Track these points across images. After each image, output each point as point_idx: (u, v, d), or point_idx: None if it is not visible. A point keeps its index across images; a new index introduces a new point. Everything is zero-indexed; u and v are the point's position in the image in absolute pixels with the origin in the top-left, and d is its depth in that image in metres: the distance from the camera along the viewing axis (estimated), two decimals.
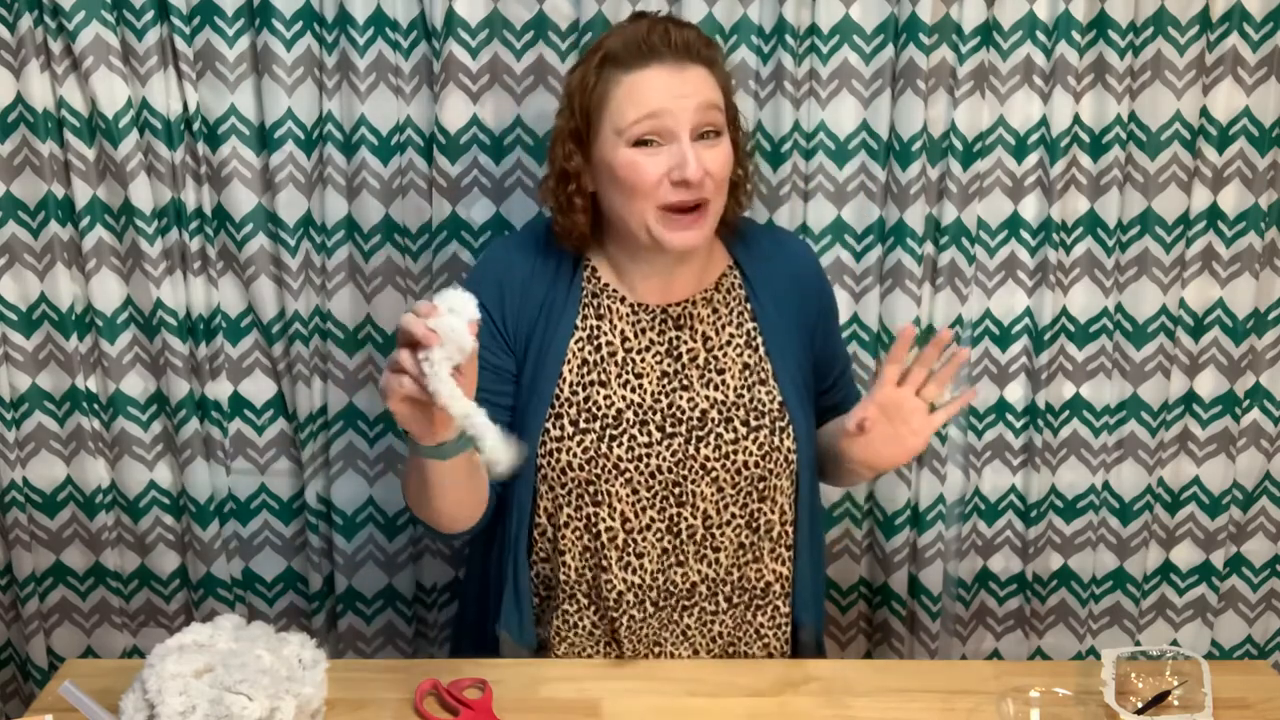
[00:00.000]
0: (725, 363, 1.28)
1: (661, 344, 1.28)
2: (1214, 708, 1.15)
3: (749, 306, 1.31)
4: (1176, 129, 1.56)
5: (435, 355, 0.96)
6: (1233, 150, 1.57)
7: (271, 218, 1.56)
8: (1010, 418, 1.67)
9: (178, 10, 1.47)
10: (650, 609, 1.27)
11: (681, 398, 1.26)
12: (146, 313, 1.57)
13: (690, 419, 1.26)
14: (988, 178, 1.58)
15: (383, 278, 1.58)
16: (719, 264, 1.32)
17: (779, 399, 1.28)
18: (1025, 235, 1.60)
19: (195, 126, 1.53)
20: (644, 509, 1.25)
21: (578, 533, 1.26)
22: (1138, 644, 1.76)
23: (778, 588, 1.32)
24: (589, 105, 1.22)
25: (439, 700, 1.19)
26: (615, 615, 1.27)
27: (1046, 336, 1.63)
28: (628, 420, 1.25)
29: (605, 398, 1.25)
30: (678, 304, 1.29)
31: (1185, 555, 1.74)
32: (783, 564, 1.31)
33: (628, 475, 1.24)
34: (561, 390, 1.25)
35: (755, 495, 1.28)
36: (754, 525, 1.29)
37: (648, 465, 1.24)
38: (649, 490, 1.25)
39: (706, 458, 1.25)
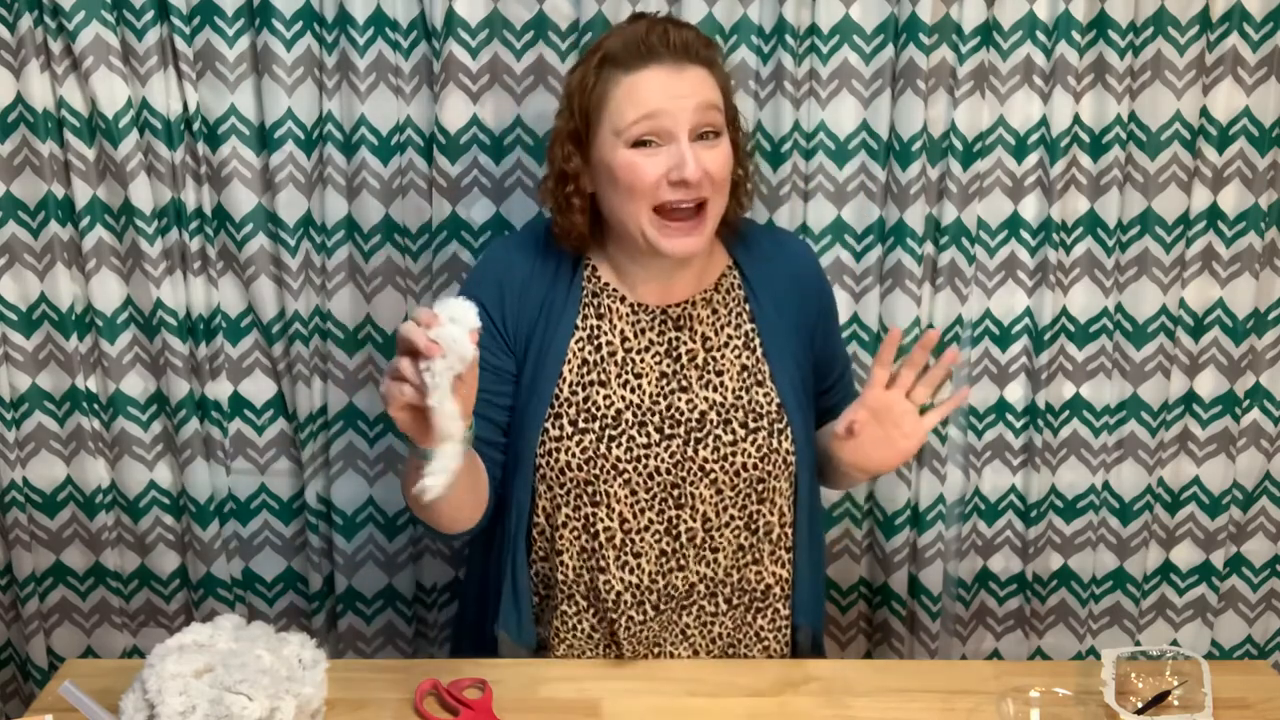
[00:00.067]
0: (724, 364, 1.28)
1: (661, 344, 1.28)
2: (1214, 708, 1.15)
3: (748, 307, 1.31)
4: (1176, 129, 1.56)
5: (437, 366, 0.96)
6: (1233, 150, 1.57)
7: (271, 218, 1.56)
8: (1010, 418, 1.67)
9: (178, 10, 1.47)
10: (649, 610, 1.27)
11: (680, 399, 1.26)
12: (146, 313, 1.57)
13: (689, 420, 1.26)
14: (988, 178, 1.58)
15: (383, 278, 1.58)
16: (719, 264, 1.32)
17: (777, 400, 1.28)
18: (1025, 235, 1.60)
19: (195, 126, 1.53)
20: (642, 510, 1.25)
21: (576, 533, 1.26)
22: (1138, 644, 1.76)
23: (777, 590, 1.32)
24: (588, 106, 1.22)
25: (439, 700, 1.19)
26: (614, 616, 1.27)
27: (1046, 336, 1.63)
28: (627, 421, 1.25)
29: (605, 398, 1.25)
30: (677, 304, 1.29)
31: (1185, 555, 1.74)
32: (782, 566, 1.31)
33: (626, 476, 1.24)
34: (561, 390, 1.25)
35: (754, 497, 1.28)
36: (753, 527, 1.28)
37: (646, 466, 1.24)
38: (647, 491, 1.25)
39: (705, 459, 1.25)
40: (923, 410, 1.20)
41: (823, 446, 1.34)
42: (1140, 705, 1.17)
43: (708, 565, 1.28)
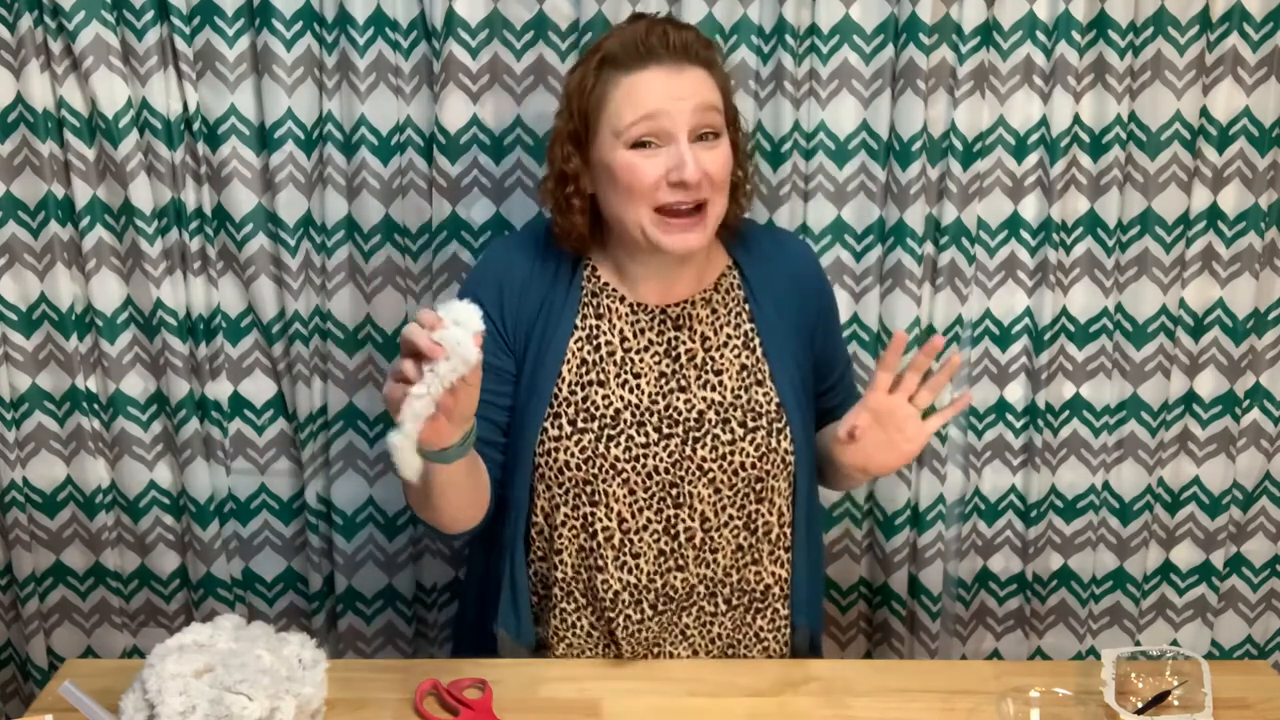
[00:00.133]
0: (723, 364, 1.28)
1: (660, 344, 1.28)
2: (1214, 708, 1.15)
3: (747, 308, 1.31)
4: (1176, 129, 1.56)
5: (441, 368, 0.96)
6: (1233, 150, 1.57)
7: (271, 218, 1.56)
8: (1010, 418, 1.67)
9: (178, 10, 1.47)
10: (648, 610, 1.27)
11: (679, 399, 1.26)
12: (146, 313, 1.57)
13: (687, 420, 1.26)
14: (988, 178, 1.58)
15: (383, 278, 1.58)
16: (718, 265, 1.32)
17: (776, 400, 1.28)
18: (1025, 235, 1.60)
19: (195, 126, 1.53)
20: (641, 509, 1.25)
21: (574, 532, 1.26)
22: (1138, 644, 1.76)
23: (776, 590, 1.32)
24: (587, 107, 1.22)
25: (439, 700, 1.19)
26: (612, 615, 1.27)
27: (1046, 336, 1.63)
28: (625, 421, 1.25)
29: (603, 398, 1.25)
30: (677, 304, 1.29)
31: (1185, 555, 1.74)
32: (781, 566, 1.31)
33: (625, 476, 1.24)
34: (560, 390, 1.25)
35: (752, 497, 1.28)
36: (751, 527, 1.28)
37: (645, 466, 1.24)
38: (646, 491, 1.25)
39: (703, 459, 1.25)
40: (925, 414, 1.20)
41: (824, 447, 1.34)
42: (1140, 705, 1.17)
43: (707, 565, 1.28)
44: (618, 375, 1.26)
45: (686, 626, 1.30)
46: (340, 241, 1.57)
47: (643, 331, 1.28)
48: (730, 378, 1.28)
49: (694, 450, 1.25)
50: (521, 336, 1.28)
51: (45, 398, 1.61)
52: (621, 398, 1.25)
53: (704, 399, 1.27)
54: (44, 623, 1.70)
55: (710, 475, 1.25)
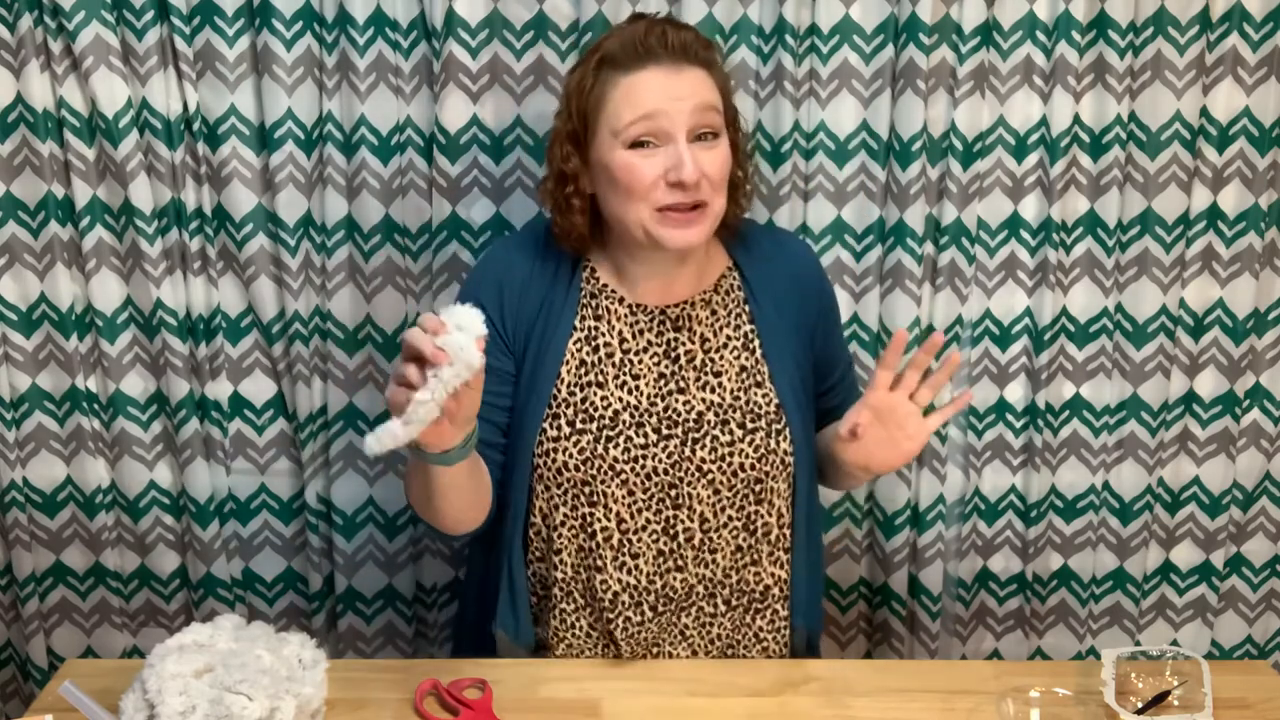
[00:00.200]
0: (722, 365, 1.28)
1: (659, 345, 1.28)
2: (1214, 708, 1.15)
3: (747, 308, 1.31)
4: (1176, 129, 1.56)
5: (444, 374, 0.96)
6: (1233, 150, 1.57)
7: (271, 218, 1.56)
8: (1010, 418, 1.67)
9: (178, 10, 1.47)
10: (647, 611, 1.27)
11: (678, 400, 1.26)
12: (146, 313, 1.57)
13: (686, 421, 1.26)
14: (988, 178, 1.58)
15: (383, 278, 1.58)
16: (718, 265, 1.32)
17: (775, 401, 1.28)
18: (1025, 235, 1.60)
19: (195, 126, 1.53)
20: (640, 510, 1.25)
21: (573, 532, 1.26)
22: (1138, 644, 1.76)
23: (776, 591, 1.32)
24: (586, 107, 1.22)
25: (439, 700, 1.19)
26: (611, 616, 1.27)
27: (1046, 336, 1.63)
28: (624, 422, 1.25)
29: (602, 399, 1.25)
30: (676, 305, 1.29)
31: (1185, 555, 1.74)
32: (780, 567, 1.31)
33: (624, 477, 1.24)
34: (559, 391, 1.25)
35: (752, 498, 1.27)
36: (751, 528, 1.28)
37: (644, 467, 1.24)
38: (645, 492, 1.25)
39: (702, 460, 1.25)
40: (926, 412, 1.20)
41: (825, 447, 1.34)
42: (1140, 705, 1.17)
43: (706, 566, 1.28)
44: (616, 376, 1.26)
45: (685, 627, 1.30)
46: (340, 241, 1.57)
47: (642, 333, 1.28)
48: (729, 379, 1.28)
49: (693, 451, 1.25)
50: (521, 337, 1.28)
51: (45, 398, 1.61)
52: (620, 399, 1.25)
53: (703, 400, 1.26)
54: (44, 623, 1.70)
55: (709, 476, 1.25)
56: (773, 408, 1.27)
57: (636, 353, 1.27)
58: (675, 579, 1.27)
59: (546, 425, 1.25)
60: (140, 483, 1.64)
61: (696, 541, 1.27)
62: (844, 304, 1.59)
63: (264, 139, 1.53)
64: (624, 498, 1.25)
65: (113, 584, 1.69)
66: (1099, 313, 1.62)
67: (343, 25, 1.48)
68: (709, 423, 1.26)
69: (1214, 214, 1.59)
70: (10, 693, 1.77)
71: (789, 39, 1.51)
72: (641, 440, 1.24)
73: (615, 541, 1.26)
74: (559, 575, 1.28)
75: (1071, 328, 1.63)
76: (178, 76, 1.50)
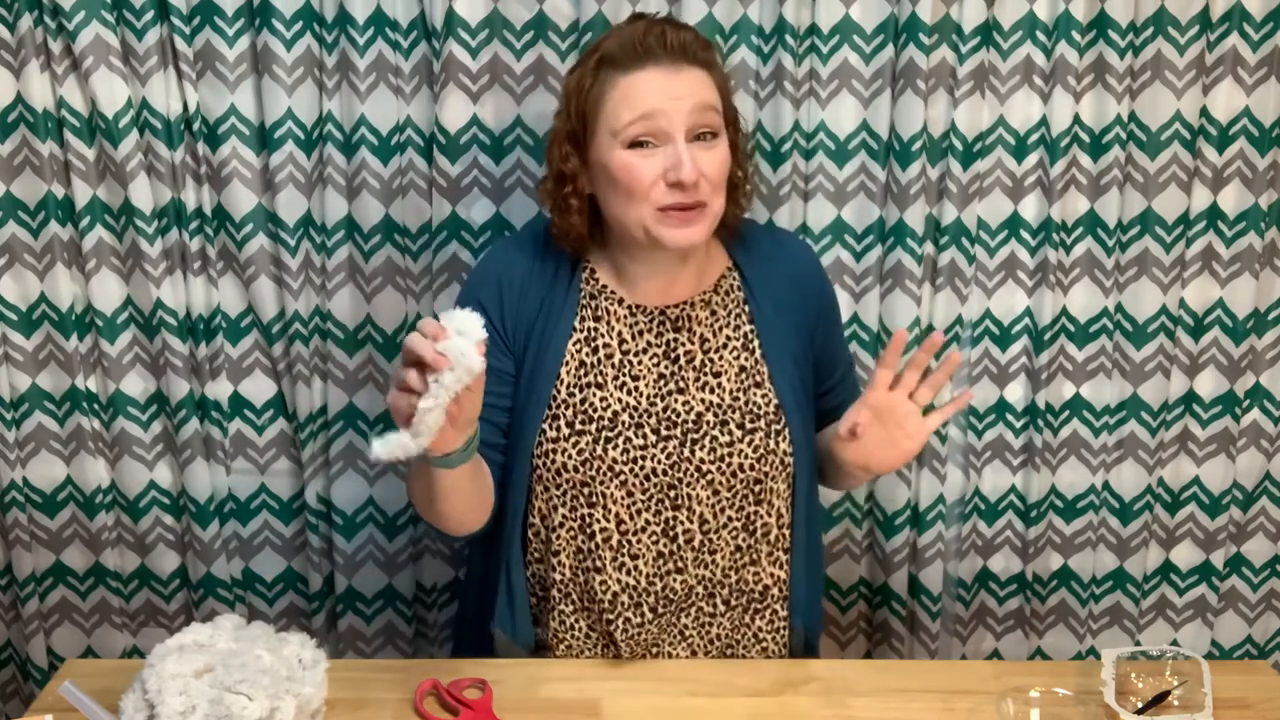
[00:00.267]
0: (721, 365, 1.28)
1: (659, 346, 1.28)
2: (1214, 708, 1.15)
3: (747, 309, 1.31)
4: (1176, 129, 1.56)
5: (446, 379, 0.96)
6: (1233, 150, 1.57)
7: (271, 218, 1.56)
8: (1010, 418, 1.67)
9: (178, 10, 1.47)
10: (646, 613, 1.27)
11: (677, 400, 1.26)
12: (146, 313, 1.57)
13: (685, 421, 1.26)
14: (988, 178, 1.58)
15: (383, 278, 1.58)
16: (718, 265, 1.32)
17: (775, 401, 1.28)
18: (1025, 235, 1.60)
19: (195, 126, 1.53)
20: (639, 511, 1.25)
21: (572, 533, 1.26)
22: (1138, 644, 1.76)
23: (775, 591, 1.32)
24: (585, 107, 1.22)
25: (439, 700, 1.19)
26: (610, 617, 1.27)
27: (1046, 336, 1.63)
28: (623, 422, 1.25)
29: (601, 400, 1.25)
30: (675, 306, 1.29)
31: (1185, 555, 1.74)
32: (780, 567, 1.31)
33: (623, 477, 1.24)
34: (559, 391, 1.25)
35: (751, 498, 1.27)
36: (750, 528, 1.28)
37: (643, 467, 1.24)
38: (644, 493, 1.25)
39: (702, 460, 1.25)
40: (925, 411, 1.20)
41: (825, 447, 1.34)
42: (1140, 705, 1.17)
43: (705, 567, 1.28)
44: (616, 377, 1.26)
45: (685, 628, 1.30)
46: (340, 241, 1.57)
47: (641, 333, 1.28)
48: (729, 379, 1.28)
49: (692, 452, 1.25)
50: (521, 337, 1.28)
51: (45, 398, 1.61)
52: (620, 399, 1.25)
53: (702, 400, 1.26)
54: (44, 623, 1.70)
55: (709, 477, 1.25)
56: (772, 408, 1.27)
57: (636, 353, 1.27)
58: (674, 580, 1.27)
59: (546, 426, 1.25)
60: (140, 483, 1.64)
61: (696, 542, 1.27)
62: (844, 304, 1.59)
63: (264, 139, 1.53)
64: (623, 498, 1.25)
65: (113, 584, 1.69)
66: (1099, 313, 1.62)
67: (343, 25, 1.48)
68: (708, 423, 1.26)
69: (1214, 214, 1.59)
70: (10, 693, 1.77)
71: (789, 39, 1.51)
72: (641, 441, 1.24)
73: (614, 542, 1.26)
74: (557, 577, 1.28)
75: (1071, 328, 1.63)
76: (178, 76, 1.50)
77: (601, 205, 1.25)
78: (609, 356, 1.27)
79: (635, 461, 1.24)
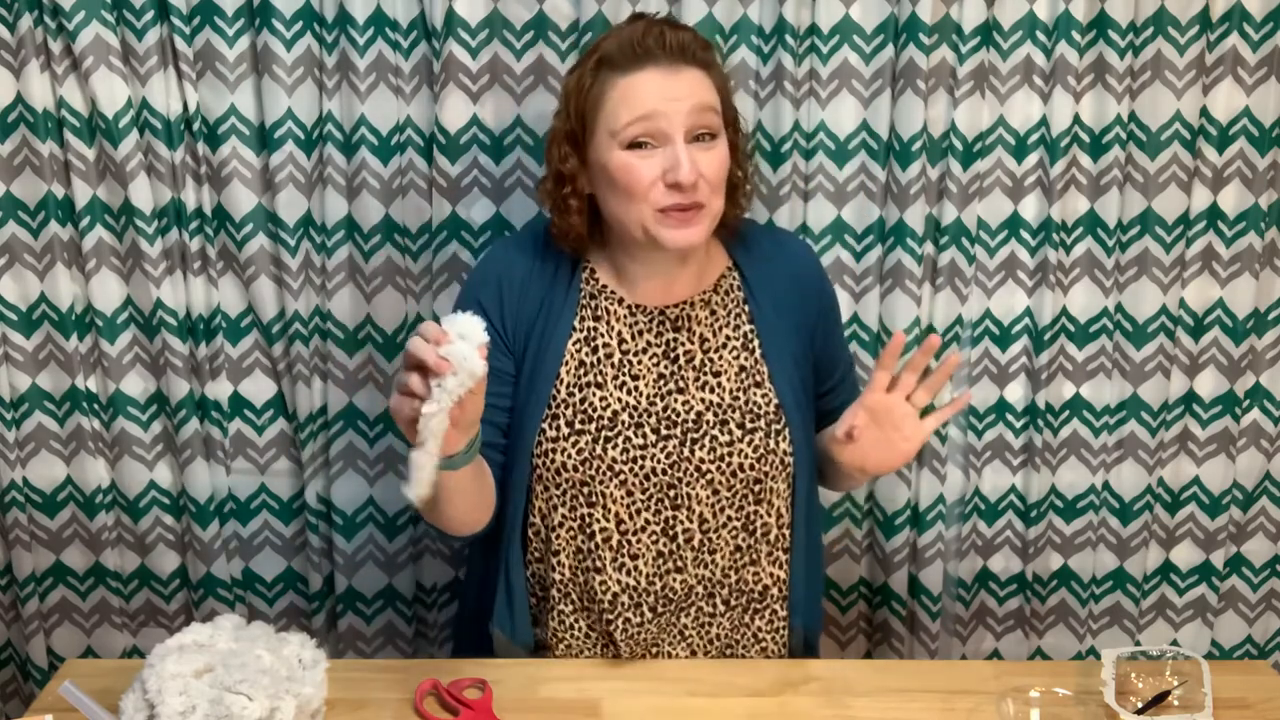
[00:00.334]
0: (721, 365, 1.28)
1: (659, 345, 1.28)
2: (1214, 708, 1.15)
3: (747, 308, 1.31)
4: (1176, 129, 1.56)
5: (448, 383, 0.97)
6: (1233, 150, 1.57)
7: (271, 218, 1.56)
8: (1010, 418, 1.67)
9: (178, 10, 1.47)
10: (646, 613, 1.27)
11: (677, 400, 1.26)
12: (146, 313, 1.57)
13: (685, 421, 1.26)
14: (988, 178, 1.58)
15: (383, 278, 1.58)
16: (718, 265, 1.32)
17: (775, 401, 1.28)
18: (1025, 235, 1.60)
19: (195, 126, 1.53)
20: (639, 511, 1.25)
21: (571, 533, 1.26)
22: (1138, 644, 1.76)
23: (775, 591, 1.32)
24: (584, 108, 1.22)
25: (439, 700, 1.19)
26: (610, 617, 1.27)
27: (1046, 336, 1.63)
28: (623, 422, 1.25)
29: (601, 399, 1.25)
30: (675, 305, 1.29)
31: (1185, 555, 1.74)
32: (780, 567, 1.31)
33: (622, 477, 1.24)
34: (558, 391, 1.25)
35: (751, 498, 1.27)
36: (750, 528, 1.28)
37: (642, 467, 1.24)
38: (644, 492, 1.25)
39: (701, 460, 1.25)
40: (924, 413, 1.20)
41: (823, 448, 1.34)
42: (1140, 705, 1.17)
43: (705, 566, 1.28)
44: (615, 377, 1.26)
45: (684, 627, 1.30)
46: (340, 241, 1.57)
47: (641, 333, 1.28)
48: (729, 379, 1.28)
49: (692, 451, 1.25)
50: (521, 337, 1.28)
51: (45, 398, 1.61)
52: (619, 399, 1.25)
53: (702, 400, 1.26)
54: (44, 623, 1.70)
55: (708, 476, 1.25)
56: (772, 408, 1.27)
57: (636, 353, 1.27)
58: (674, 579, 1.27)
59: (545, 426, 1.25)
60: (140, 483, 1.64)
61: (695, 542, 1.27)
62: (844, 304, 1.59)
63: (264, 139, 1.53)
64: (623, 498, 1.25)
65: (113, 584, 1.69)
66: (1099, 313, 1.62)
67: (343, 25, 1.48)
68: (708, 423, 1.26)
69: (1214, 214, 1.59)
70: (10, 693, 1.77)
71: (789, 39, 1.51)
72: (640, 441, 1.24)
73: (614, 542, 1.26)
74: (556, 576, 1.28)
75: (1071, 328, 1.63)
76: (178, 76, 1.50)
77: (601, 205, 1.25)
78: (609, 356, 1.27)
79: (635, 461, 1.24)
